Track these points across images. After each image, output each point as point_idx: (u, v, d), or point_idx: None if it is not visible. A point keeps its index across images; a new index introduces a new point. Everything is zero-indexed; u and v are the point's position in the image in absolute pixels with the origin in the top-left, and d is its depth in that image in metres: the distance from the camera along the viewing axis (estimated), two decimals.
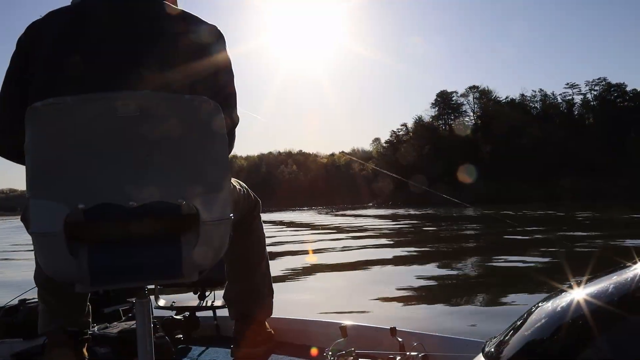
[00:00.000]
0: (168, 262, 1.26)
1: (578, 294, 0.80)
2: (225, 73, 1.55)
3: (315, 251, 11.19)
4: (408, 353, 1.66)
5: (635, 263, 0.78)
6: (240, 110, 1.60)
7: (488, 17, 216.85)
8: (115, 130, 1.18)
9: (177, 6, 1.53)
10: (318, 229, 20.63)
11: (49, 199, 1.15)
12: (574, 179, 75.66)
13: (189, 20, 1.48)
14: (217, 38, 1.52)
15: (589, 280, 0.82)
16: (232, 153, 1.52)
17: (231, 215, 1.34)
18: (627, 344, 0.67)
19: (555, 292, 0.90)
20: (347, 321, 1.96)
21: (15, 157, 1.52)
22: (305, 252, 10.99)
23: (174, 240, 1.27)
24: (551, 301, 0.86)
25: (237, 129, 1.64)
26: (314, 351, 1.99)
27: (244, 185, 1.95)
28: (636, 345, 0.66)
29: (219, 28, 1.53)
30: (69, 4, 1.46)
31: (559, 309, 0.81)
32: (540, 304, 0.89)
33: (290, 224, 26.00)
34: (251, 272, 2.03)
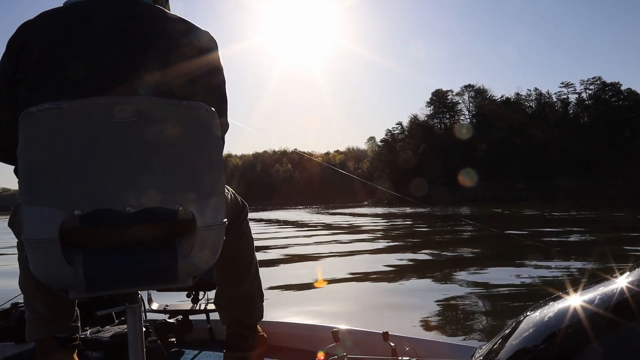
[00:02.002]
0: (164, 268, 1.27)
1: (565, 303, 0.81)
2: (218, 78, 1.56)
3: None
4: (400, 358, 1.67)
5: (622, 274, 0.79)
6: (230, 120, 1.63)
7: (485, 18, 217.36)
8: (112, 136, 1.18)
9: (169, 11, 1.53)
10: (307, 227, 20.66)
11: (44, 205, 1.14)
12: (569, 178, 75.97)
13: (183, 25, 1.48)
14: (211, 44, 1.53)
15: (576, 290, 0.83)
16: (227, 151, 1.53)
17: (225, 220, 1.35)
18: (614, 352, 0.68)
19: (543, 302, 0.91)
20: (339, 325, 1.97)
21: (5, 158, 1.52)
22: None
23: (170, 246, 1.28)
24: (539, 310, 0.87)
25: (231, 127, 1.67)
26: (306, 355, 2.00)
27: (231, 189, 1.95)
28: (623, 353, 0.67)
29: (211, 34, 1.54)
30: (61, 5, 1.44)
31: (546, 318, 0.82)
32: (528, 313, 0.90)
33: (283, 222, 26.04)
34: (241, 276, 2.02)
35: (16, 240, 1.58)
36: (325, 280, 6.69)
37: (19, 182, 1.23)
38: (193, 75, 1.44)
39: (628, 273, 0.75)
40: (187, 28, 1.48)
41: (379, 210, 44.77)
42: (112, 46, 1.36)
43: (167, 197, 1.23)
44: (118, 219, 1.21)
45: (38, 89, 1.33)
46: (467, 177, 74.04)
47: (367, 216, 31.01)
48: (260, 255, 2.13)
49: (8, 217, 1.56)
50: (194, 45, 1.46)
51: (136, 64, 1.35)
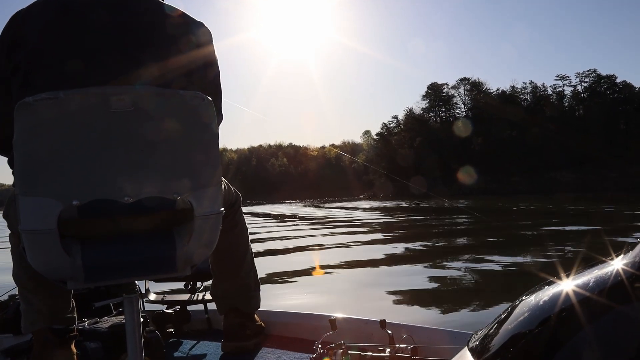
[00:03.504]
0: (162, 258, 1.27)
1: (561, 287, 0.81)
2: (213, 70, 1.56)
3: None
4: (397, 345, 1.68)
5: (617, 256, 0.79)
6: (231, 102, 1.63)
7: (481, 12, 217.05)
8: (109, 126, 1.18)
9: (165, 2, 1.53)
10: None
11: (41, 196, 1.14)
12: (565, 171, 76.14)
13: (179, 18, 1.48)
14: (207, 36, 1.53)
15: (571, 274, 0.83)
16: (222, 145, 1.53)
17: (222, 209, 1.36)
18: (610, 335, 0.68)
19: (539, 286, 0.91)
20: (337, 314, 1.98)
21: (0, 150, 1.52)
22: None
23: (168, 235, 1.28)
24: (534, 295, 0.87)
25: (226, 122, 1.67)
26: (303, 344, 2.00)
27: (224, 179, 1.96)
28: (620, 337, 0.67)
29: (207, 26, 1.54)
30: None
31: (542, 302, 0.82)
32: (524, 297, 0.90)
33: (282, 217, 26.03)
34: (236, 266, 2.03)
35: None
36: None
37: (14, 173, 1.23)
38: (189, 68, 1.45)
39: (623, 255, 0.76)
40: (183, 21, 1.48)
41: (375, 204, 44.83)
42: (107, 38, 1.35)
43: (165, 186, 1.23)
44: (116, 209, 1.21)
45: (32, 81, 1.33)
46: (465, 174, 74.02)
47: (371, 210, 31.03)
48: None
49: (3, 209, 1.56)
50: (190, 38, 1.46)
51: (132, 56, 1.35)
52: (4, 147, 1.46)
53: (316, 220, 20.56)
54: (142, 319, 1.51)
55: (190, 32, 1.47)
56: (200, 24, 1.52)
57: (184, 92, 1.27)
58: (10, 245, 1.65)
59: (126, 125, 1.19)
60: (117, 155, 1.19)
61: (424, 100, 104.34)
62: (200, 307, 2.45)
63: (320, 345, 1.71)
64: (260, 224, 19.26)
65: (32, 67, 1.33)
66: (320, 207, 41.38)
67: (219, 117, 1.60)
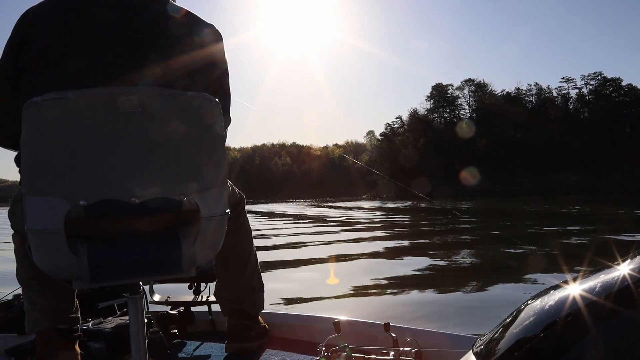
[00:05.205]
0: (168, 259, 1.27)
1: (566, 291, 0.81)
2: (222, 71, 1.56)
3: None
4: (401, 348, 1.67)
5: (624, 261, 0.79)
6: (236, 99, 1.63)
7: (486, 13, 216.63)
8: (117, 126, 1.18)
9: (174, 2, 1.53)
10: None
11: (48, 195, 1.14)
12: (569, 172, 75.95)
13: (188, 18, 1.48)
14: (216, 37, 1.53)
15: (577, 278, 0.83)
16: (226, 145, 1.54)
17: (227, 210, 1.36)
18: (616, 340, 0.68)
19: (544, 290, 0.91)
20: (341, 316, 1.98)
21: (7, 145, 1.52)
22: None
23: (174, 236, 1.28)
24: (540, 299, 0.87)
25: (230, 122, 1.66)
26: (307, 346, 2.00)
27: (228, 181, 1.96)
28: (626, 342, 0.67)
29: (216, 27, 1.54)
30: None
31: (547, 306, 0.82)
32: (529, 302, 0.90)
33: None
34: (240, 267, 2.03)
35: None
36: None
37: (21, 172, 1.23)
38: (193, 67, 1.44)
39: (629, 260, 0.76)
40: (187, 20, 1.48)
41: (377, 204, 44.80)
42: (111, 37, 1.35)
43: (172, 187, 1.23)
44: (123, 210, 1.22)
45: (39, 80, 1.33)
46: (469, 174, 73.83)
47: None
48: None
49: (5, 207, 1.56)
50: (194, 37, 1.46)
51: (136, 55, 1.35)
52: (14, 143, 1.47)
53: (318, 220, 20.55)
54: (146, 320, 1.51)
55: (195, 32, 1.47)
56: (209, 25, 1.52)
57: (192, 93, 1.27)
58: (13, 245, 1.66)
59: (133, 126, 1.19)
60: (125, 155, 1.19)
61: (429, 101, 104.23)
62: (204, 308, 2.45)
63: (324, 348, 1.71)
64: (266, 223, 19.28)
65: (39, 66, 1.33)
66: (322, 206, 41.37)
67: (227, 119, 1.59)
